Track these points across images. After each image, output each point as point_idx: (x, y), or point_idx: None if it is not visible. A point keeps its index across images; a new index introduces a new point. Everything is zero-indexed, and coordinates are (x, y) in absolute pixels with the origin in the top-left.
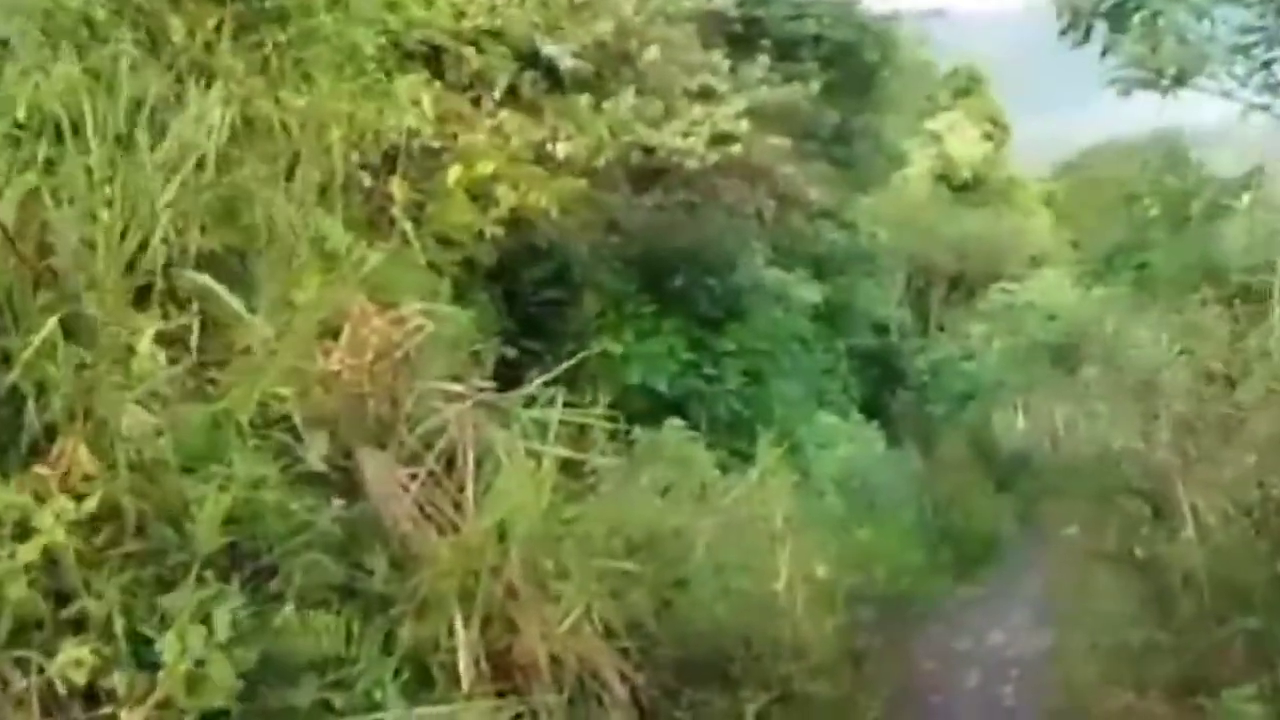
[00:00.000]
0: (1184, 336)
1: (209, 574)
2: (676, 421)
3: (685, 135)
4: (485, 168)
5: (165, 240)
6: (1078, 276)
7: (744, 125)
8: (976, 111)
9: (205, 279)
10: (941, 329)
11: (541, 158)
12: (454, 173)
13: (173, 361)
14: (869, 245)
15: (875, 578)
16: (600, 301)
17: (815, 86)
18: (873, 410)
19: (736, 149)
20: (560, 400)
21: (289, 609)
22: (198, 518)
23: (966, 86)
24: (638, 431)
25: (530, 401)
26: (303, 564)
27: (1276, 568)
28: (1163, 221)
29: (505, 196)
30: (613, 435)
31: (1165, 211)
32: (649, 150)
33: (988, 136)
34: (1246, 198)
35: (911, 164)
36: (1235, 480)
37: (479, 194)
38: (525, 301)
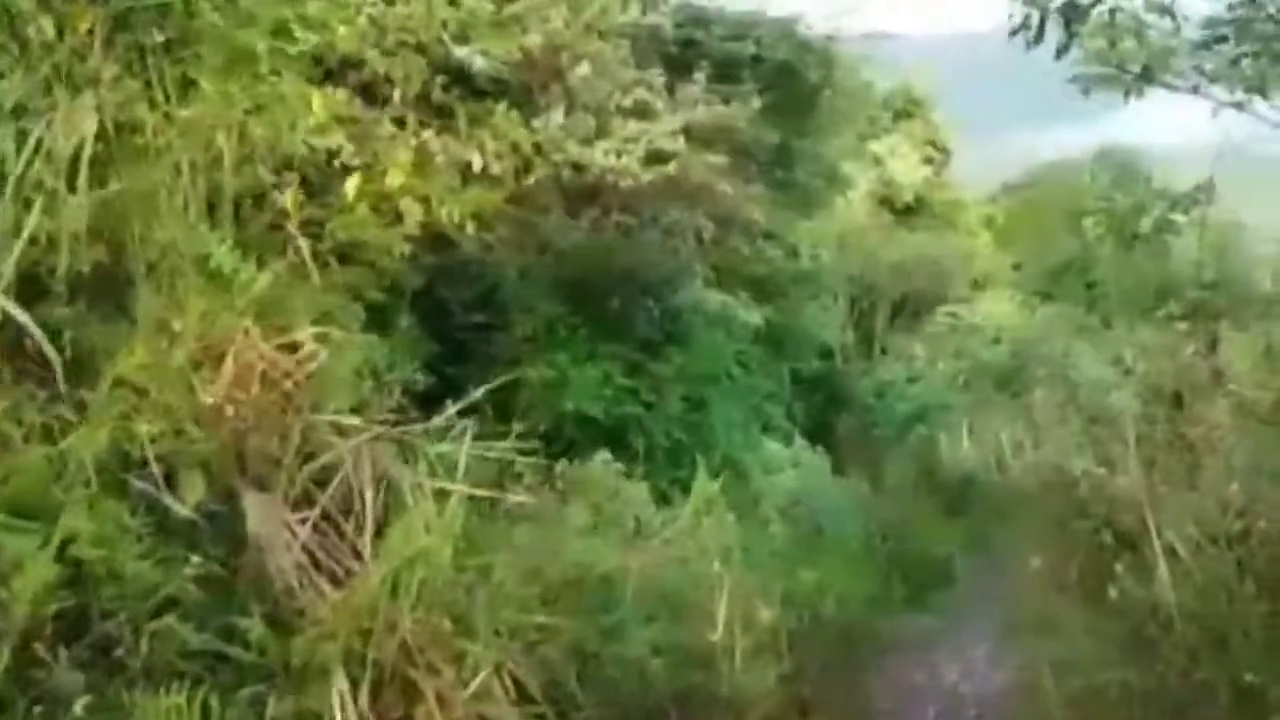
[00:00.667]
0: (1137, 356)
1: (37, 647)
2: (605, 455)
3: (619, 154)
4: (394, 179)
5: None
6: (1024, 298)
7: (680, 144)
8: (917, 134)
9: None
10: (886, 352)
11: (467, 174)
12: (352, 185)
13: (30, 398)
14: (812, 267)
15: (823, 614)
16: (532, 325)
17: (755, 107)
18: (818, 435)
19: (672, 168)
20: (470, 432)
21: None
22: (15, 583)
23: (906, 109)
24: (563, 464)
25: (444, 434)
26: (155, 631)
27: (1263, 606)
28: (1109, 239)
29: (410, 210)
30: (544, 468)
31: (1111, 229)
32: (580, 168)
33: (928, 160)
34: (1196, 212)
35: (854, 187)
36: (1209, 509)
37: (383, 209)
38: (453, 326)
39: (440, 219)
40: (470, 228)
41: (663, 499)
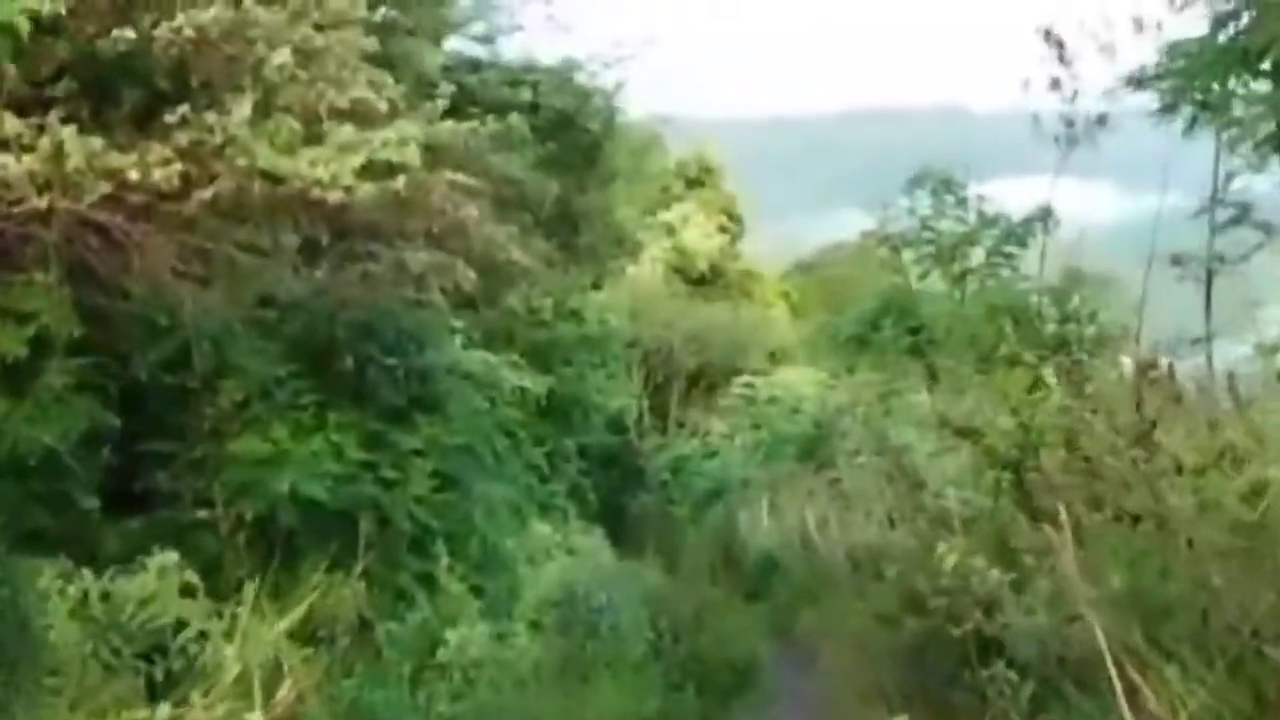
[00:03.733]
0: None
1: None
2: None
3: (326, 163)
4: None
5: None
6: (828, 368)
7: (414, 156)
8: (711, 203)
9: None
10: (682, 425)
11: (124, 186)
12: None
13: None
14: (599, 333)
15: None
16: (244, 389)
17: (530, 157)
18: (610, 516)
19: (401, 184)
20: None
21: None
22: None
23: (699, 178)
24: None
25: None
26: None
27: None
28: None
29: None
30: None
31: (939, 260)
32: (276, 180)
33: (723, 229)
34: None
35: (646, 253)
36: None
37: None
38: (146, 392)
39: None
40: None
41: (400, 598)
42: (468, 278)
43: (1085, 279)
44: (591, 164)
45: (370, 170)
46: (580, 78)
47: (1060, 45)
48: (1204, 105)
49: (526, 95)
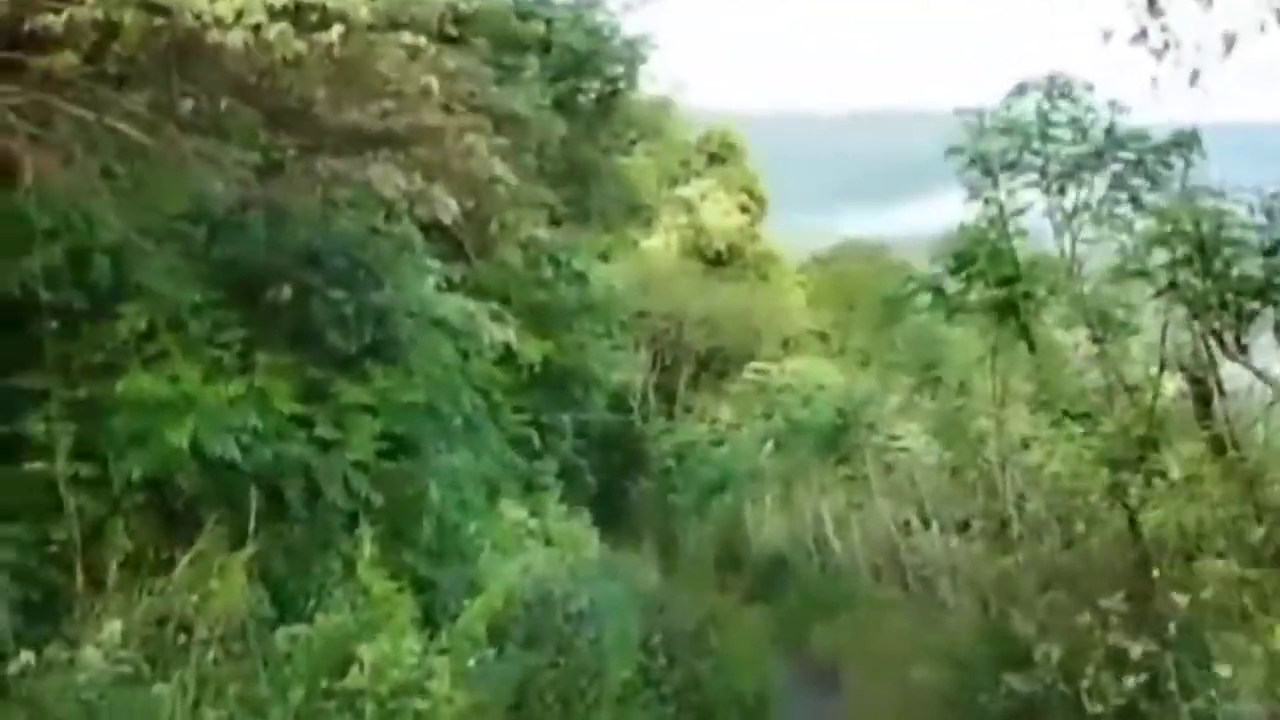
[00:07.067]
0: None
1: None
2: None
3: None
4: None
5: None
6: (843, 360)
7: (362, 13)
8: (732, 181)
9: None
10: (689, 410)
11: None
12: None
13: None
14: (605, 299)
15: None
16: (148, 318)
17: (539, 97)
18: (609, 501)
19: (335, 38)
20: None
21: None
22: None
23: (720, 154)
24: None
25: None
26: None
27: None
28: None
29: None
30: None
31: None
32: (154, 7)
33: (744, 208)
34: None
35: (660, 227)
36: None
37: None
38: (19, 313)
39: None
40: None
41: (312, 594)
42: (448, 207)
43: None
44: (606, 114)
45: (299, 21)
46: (599, 17)
47: None
48: None
49: (539, 30)
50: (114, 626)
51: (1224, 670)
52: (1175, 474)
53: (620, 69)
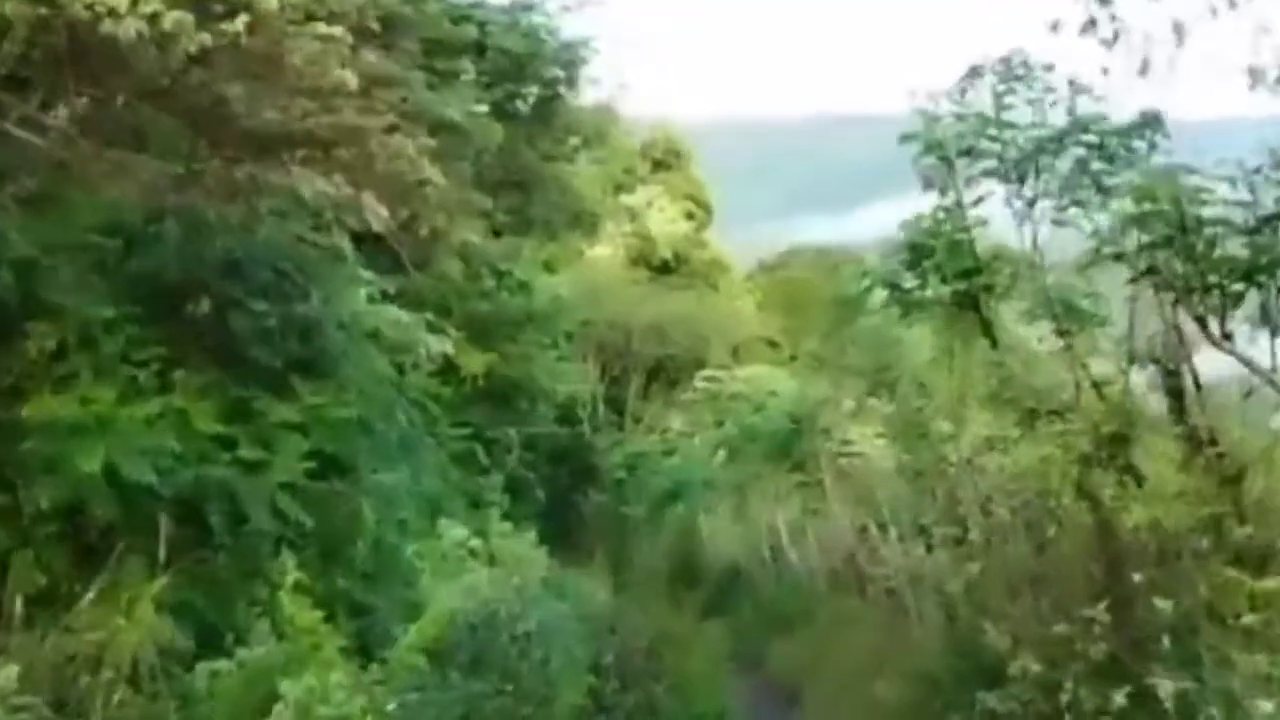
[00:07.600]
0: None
1: None
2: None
3: None
4: None
5: None
6: (795, 366)
7: (271, 1)
8: (677, 188)
9: None
10: (639, 421)
11: None
12: None
13: None
14: (549, 309)
15: None
16: (60, 336)
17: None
18: (559, 515)
19: (240, 27)
20: None
21: None
22: None
23: (666, 160)
24: None
25: None
26: None
27: None
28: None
29: None
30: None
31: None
32: (51, 4)
33: (689, 215)
34: None
35: (605, 236)
36: None
37: None
38: None
39: None
40: None
41: (233, 625)
42: (377, 213)
43: None
44: (546, 120)
45: (203, 12)
46: (536, 19)
47: None
48: None
49: (472, 33)
50: (10, 671)
51: (1266, 705)
52: (1149, 472)
53: (559, 72)
